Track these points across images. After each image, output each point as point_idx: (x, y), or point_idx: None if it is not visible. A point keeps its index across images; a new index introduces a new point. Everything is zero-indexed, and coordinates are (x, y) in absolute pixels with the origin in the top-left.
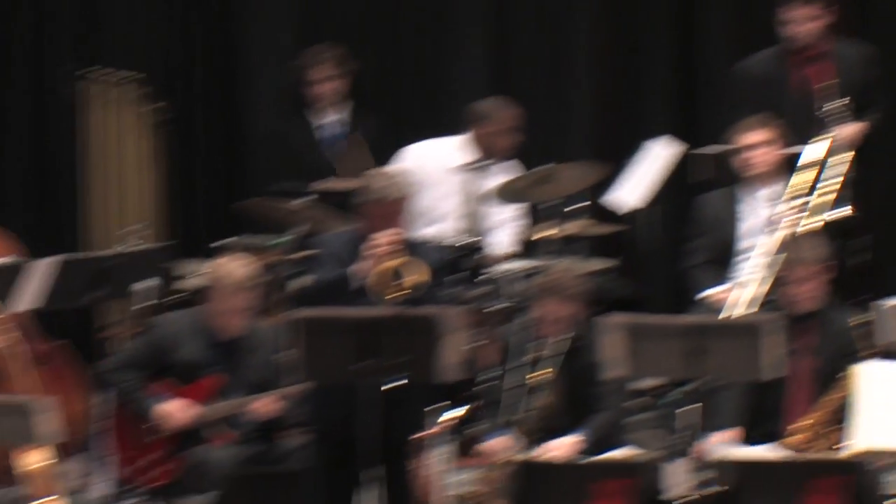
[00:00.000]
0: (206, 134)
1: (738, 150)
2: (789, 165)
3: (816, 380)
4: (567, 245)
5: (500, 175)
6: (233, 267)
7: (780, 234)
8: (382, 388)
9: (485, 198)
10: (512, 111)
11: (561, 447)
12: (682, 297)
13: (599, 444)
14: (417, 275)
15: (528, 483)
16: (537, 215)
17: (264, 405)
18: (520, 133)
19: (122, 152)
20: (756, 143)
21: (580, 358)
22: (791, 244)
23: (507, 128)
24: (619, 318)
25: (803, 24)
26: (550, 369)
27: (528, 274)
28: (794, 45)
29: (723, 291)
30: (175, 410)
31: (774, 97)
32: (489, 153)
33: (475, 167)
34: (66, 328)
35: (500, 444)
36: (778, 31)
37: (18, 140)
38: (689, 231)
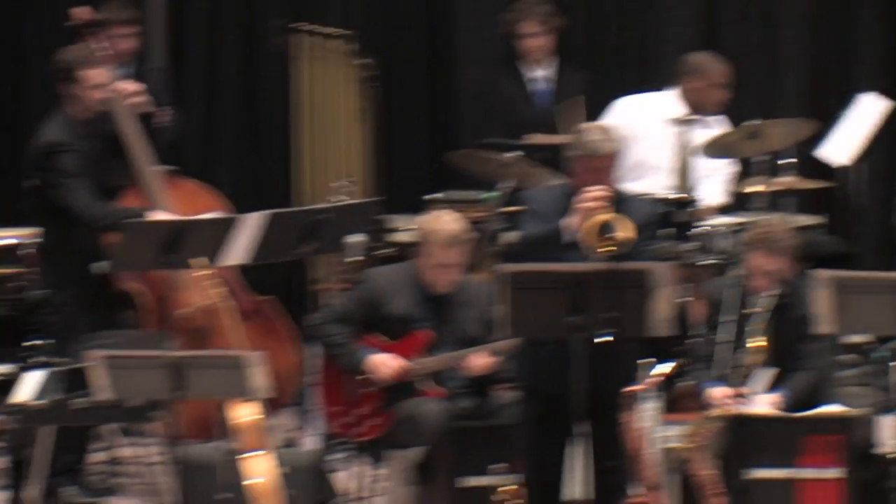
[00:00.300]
0: (414, 88)
1: None
2: None
3: None
4: (776, 200)
5: (710, 130)
6: (443, 221)
7: None
8: (592, 343)
9: (695, 152)
10: (723, 66)
11: (760, 404)
12: (891, 252)
13: (799, 403)
14: (626, 230)
15: (737, 437)
16: (746, 170)
17: (475, 360)
18: (729, 88)
19: (331, 107)
20: None
21: (789, 313)
22: None
23: (718, 83)
24: (827, 274)
25: None
26: (760, 324)
27: (737, 229)
28: None
29: None
30: (386, 364)
31: None
32: (699, 107)
33: (685, 121)
34: (277, 282)
35: (718, 394)
36: None
37: (229, 96)
38: None
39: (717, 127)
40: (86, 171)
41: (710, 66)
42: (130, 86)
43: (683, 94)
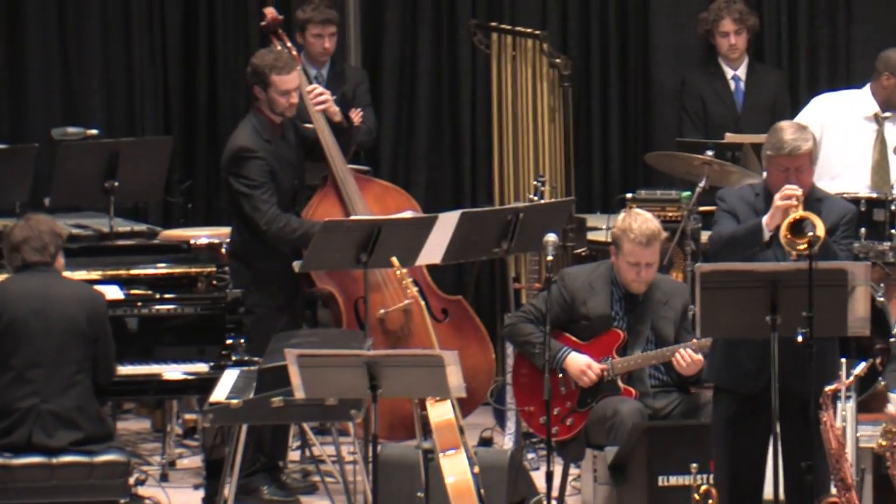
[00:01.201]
0: (609, 87)
1: None
2: None
3: None
4: None
5: None
6: (638, 221)
7: None
8: (789, 343)
9: (891, 151)
10: None
11: None
12: None
13: None
14: (820, 229)
15: None
16: None
17: (675, 360)
18: None
19: (527, 106)
20: None
21: None
22: None
23: None
24: None
25: None
26: None
27: None
28: None
29: None
30: (585, 364)
31: None
32: (893, 105)
33: (883, 118)
34: (475, 281)
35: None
36: None
37: (425, 96)
38: None
39: None
40: (274, 179)
41: None
42: (319, 90)
43: (878, 91)
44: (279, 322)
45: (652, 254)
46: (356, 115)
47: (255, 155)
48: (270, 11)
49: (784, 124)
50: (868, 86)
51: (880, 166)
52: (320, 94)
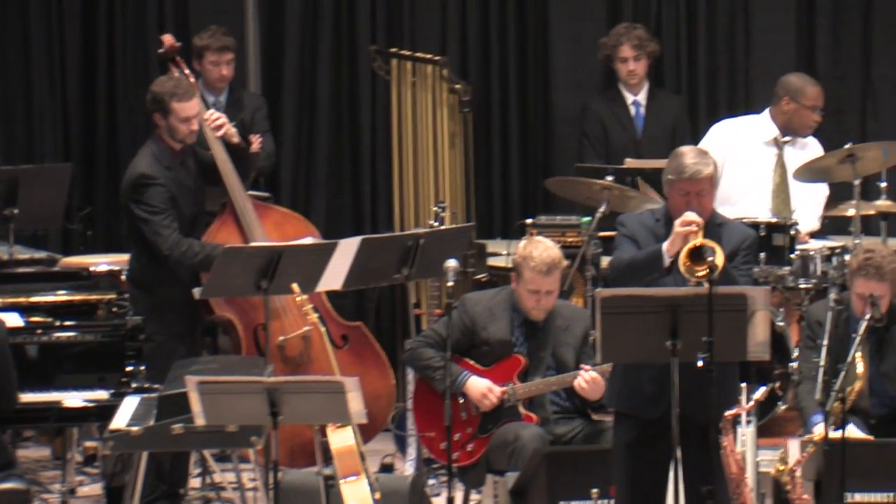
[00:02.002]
0: (509, 113)
1: None
2: None
3: None
4: (870, 225)
5: (805, 152)
6: (538, 247)
7: None
8: (689, 368)
9: (791, 176)
10: (817, 88)
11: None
12: None
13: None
14: (719, 260)
15: (836, 461)
16: (841, 194)
17: (577, 384)
18: (823, 111)
19: (427, 133)
20: None
21: (888, 339)
22: None
23: (813, 105)
24: None
25: None
26: (860, 351)
27: (833, 253)
28: None
29: None
30: (486, 387)
31: None
32: (793, 129)
33: (782, 142)
34: (376, 308)
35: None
36: None
37: (324, 121)
38: None
39: (811, 149)
40: (174, 204)
41: (806, 88)
42: (215, 115)
43: (778, 115)
44: (178, 349)
45: (552, 282)
46: (255, 141)
47: (155, 182)
48: (168, 38)
49: (685, 149)
50: (767, 111)
51: (780, 190)
52: (217, 119)
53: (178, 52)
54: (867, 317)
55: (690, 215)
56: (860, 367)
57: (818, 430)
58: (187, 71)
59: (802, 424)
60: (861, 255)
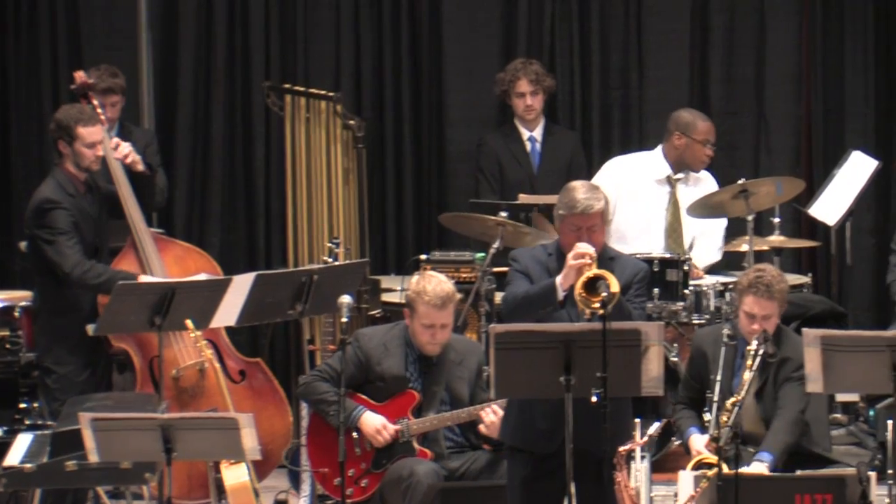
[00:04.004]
0: (404, 149)
1: None
2: None
3: None
4: (763, 260)
5: (699, 187)
6: (433, 283)
7: None
8: (583, 403)
9: (685, 211)
10: (709, 123)
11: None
12: (885, 311)
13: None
14: (614, 288)
15: (730, 495)
16: (735, 229)
17: (466, 420)
18: (714, 145)
19: (321, 169)
20: None
21: (781, 366)
22: None
23: (704, 139)
24: (814, 333)
25: None
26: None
27: (726, 289)
28: None
29: None
30: (380, 423)
31: None
32: (686, 164)
33: (675, 180)
34: (270, 343)
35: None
36: None
37: (219, 157)
38: (891, 244)
39: (705, 185)
40: (77, 230)
41: (697, 122)
42: (120, 143)
43: (670, 151)
44: (81, 377)
45: (446, 315)
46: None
47: (59, 206)
48: (80, 75)
49: (576, 184)
50: (660, 147)
51: (673, 229)
52: (122, 147)
53: (91, 88)
54: (760, 351)
55: (583, 247)
56: (746, 396)
57: (694, 441)
58: (96, 103)
59: (679, 439)
60: (752, 273)
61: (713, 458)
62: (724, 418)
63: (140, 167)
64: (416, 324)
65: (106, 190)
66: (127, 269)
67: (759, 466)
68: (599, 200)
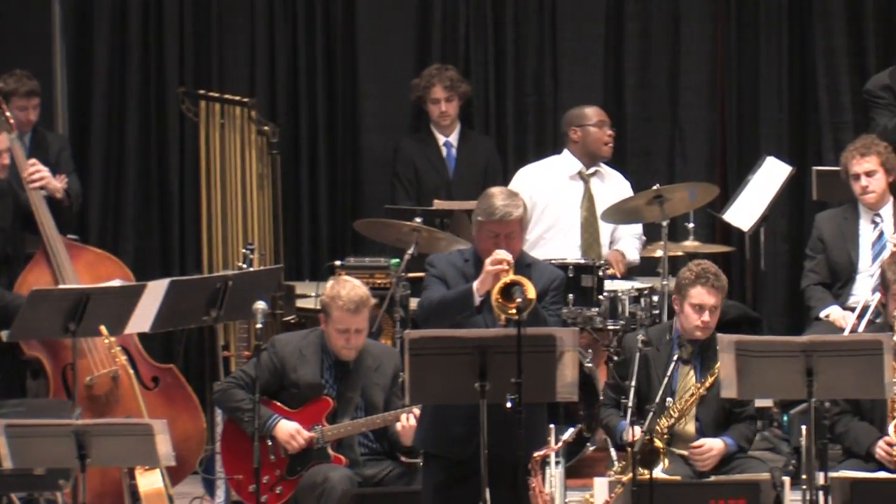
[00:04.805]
0: (318, 154)
1: (851, 175)
2: None
3: None
4: (677, 266)
5: (610, 184)
6: (347, 288)
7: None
8: (498, 408)
9: (600, 217)
10: (595, 107)
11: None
12: (799, 316)
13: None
14: (530, 294)
15: (645, 501)
16: (649, 236)
17: (380, 426)
18: (611, 126)
19: (235, 174)
20: (868, 171)
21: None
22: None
23: (597, 121)
24: (728, 338)
25: None
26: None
27: (641, 294)
28: None
29: (841, 320)
30: (294, 430)
31: None
32: (591, 153)
33: (588, 175)
34: (185, 349)
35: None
36: None
37: (133, 163)
38: (806, 250)
39: (616, 181)
40: None
41: (584, 110)
42: (37, 168)
43: (574, 148)
44: None
45: (361, 320)
46: (61, 182)
47: None
48: None
49: (495, 190)
50: (566, 150)
51: (589, 223)
52: (38, 171)
53: (4, 94)
54: (675, 356)
55: (501, 253)
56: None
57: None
58: (8, 113)
59: (611, 438)
60: (694, 266)
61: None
62: (665, 421)
63: (59, 195)
64: (330, 329)
65: (20, 199)
66: (38, 278)
67: (717, 441)
68: (518, 207)
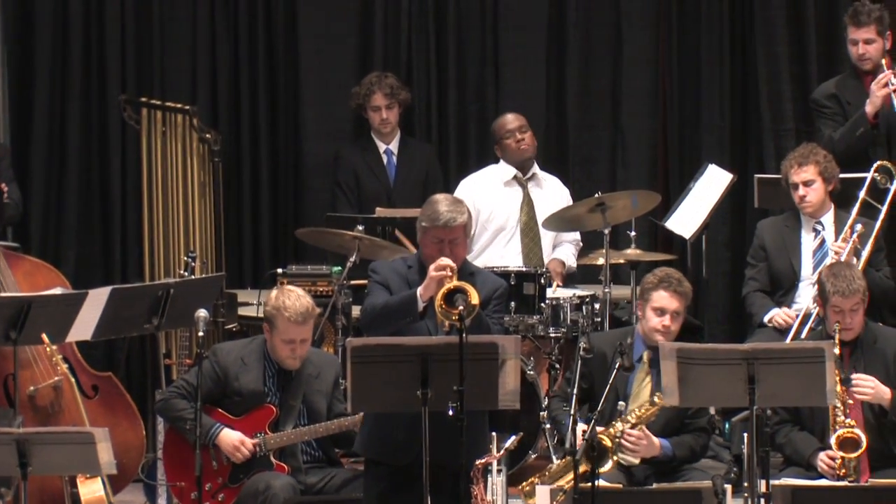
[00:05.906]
0: (259, 162)
1: (790, 185)
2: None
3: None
4: (619, 274)
5: (548, 188)
6: (293, 298)
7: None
8: (440, 416)
9: (541, 224)
10: (509, 115)
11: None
12: (740, 324)
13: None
14: (473, 300)
15: None
16: (591, 243)
17: (323, 434)
18: (521, 131)
19: (177, 182)
20: (805, 181)
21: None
22: (836, 273)
23: (513, 128)
24: (670, 346)
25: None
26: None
27: (583, 302)
28: (864, 68)
29: (784, 317)
30: (238, 440)
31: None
32: (518, 161)
33: (525, 180)
34: (126, 357)
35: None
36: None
37: (74, 171)
38: (747, 258)
39: (554, 186)
40: None
41: (497, 122)
42: None
43: (505, 154)
44: None
45: (307, 331)
46: (2, 191)
47: None
48: None
49: (440, 197)
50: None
51: (529, 228)
52: None
53: None
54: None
55: (445, 260)
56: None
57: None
58: None
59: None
60: (658, 272)
61: None
62: (621, 425)
63: None
64: (275, 339)
65: None
66: None
67: (655, 440)
68: (462, 214)
